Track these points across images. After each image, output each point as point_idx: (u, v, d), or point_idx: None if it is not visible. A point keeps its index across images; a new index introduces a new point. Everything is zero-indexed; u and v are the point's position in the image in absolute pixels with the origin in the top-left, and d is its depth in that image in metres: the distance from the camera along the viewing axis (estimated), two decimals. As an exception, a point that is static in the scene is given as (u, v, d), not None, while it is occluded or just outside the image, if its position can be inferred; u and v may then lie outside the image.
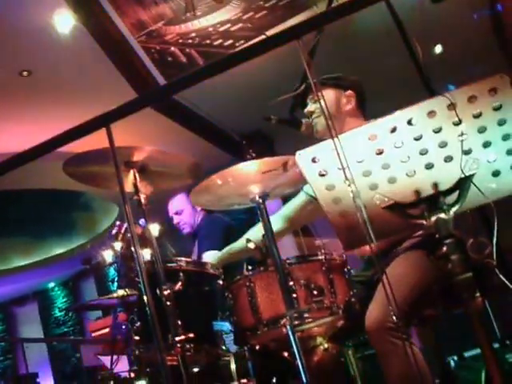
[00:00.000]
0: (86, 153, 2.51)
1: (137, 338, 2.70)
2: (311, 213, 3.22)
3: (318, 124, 3.04)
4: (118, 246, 3.66)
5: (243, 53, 1.94)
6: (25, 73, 5.93)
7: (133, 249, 1.98)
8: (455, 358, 5.16)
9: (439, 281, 2.58)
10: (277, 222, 3.28)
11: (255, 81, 6.23)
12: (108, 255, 5.41)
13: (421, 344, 3.74)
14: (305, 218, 3.37)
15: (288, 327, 2.43)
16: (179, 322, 2.46)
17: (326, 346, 2.95)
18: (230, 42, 5.96)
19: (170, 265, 2.73)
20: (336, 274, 2.65)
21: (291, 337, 2.42)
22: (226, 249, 3.51)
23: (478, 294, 2.84)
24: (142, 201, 2.58)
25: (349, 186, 1.77)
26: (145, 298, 1.94)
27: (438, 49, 6.59)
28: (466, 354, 5.09)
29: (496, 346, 5.00)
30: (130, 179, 2.59)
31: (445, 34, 6.25)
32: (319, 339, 2.94)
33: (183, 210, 4.85)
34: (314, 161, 1.87)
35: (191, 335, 2.45)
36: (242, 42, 5.93)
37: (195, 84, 1.97)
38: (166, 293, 2.42)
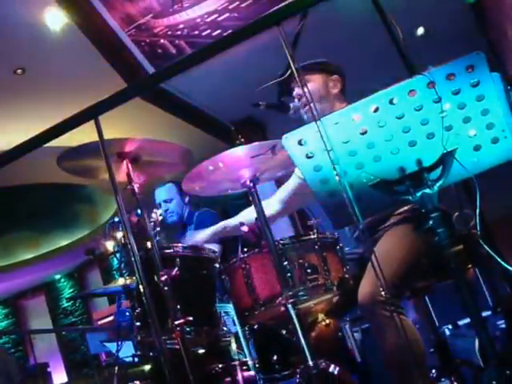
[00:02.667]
0: (79, 147, 2.50)
1: (138, 323, 2.71)
2: (305, 196, 3.22)
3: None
4: (119, 235, 3.65)
5: (226, 40, 1.93)
6: (19, 71, 5.93)
7: (123, 238, 1.97)
8: (450, 326, 5.19)
9: (428, 253, 2.60)
10: (271, 205, 3.28)
11: (244, 67, 6.21)
12: (110, 245, 5.39)
13: (416, 315, 3.75)
14: (298, 201, 3.36)
15: (290, 305, 2.44)
16: (178, 307, 2.46)
17: (327, 321, 2.97)
18: (218, 31, 5.93)
19: (166, 251, 2.73)
20: (329, 252, 2.66)
21: (293, 314, 2.43)
22: (221, 224, 3.49)
23: (469, 266, 2.88)
24: (136, 190, 2.57)
25: (334, 169, 1.77)
26: (140, 286, 1.94)
27: (420, 31, 6.58)
28: (460, 323, 5.11)
29: (488, 313, 5.03)
30: (123, 170, 2.59)
31: (425, 14, 6.24)
32: (320, 315, 2.96)
33: (172, 199, 4.86)
34: (300, 143, 1.88)
35: (190, 318, 2.46)
36: (230, 31, 5.89)
37: (180, 72, 1.96)
38: (163, 278, 2.42)
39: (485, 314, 4.99)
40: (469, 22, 5.85)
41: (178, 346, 2.42)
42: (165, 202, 4.86)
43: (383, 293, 2.38)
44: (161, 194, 4.89)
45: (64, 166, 2.61)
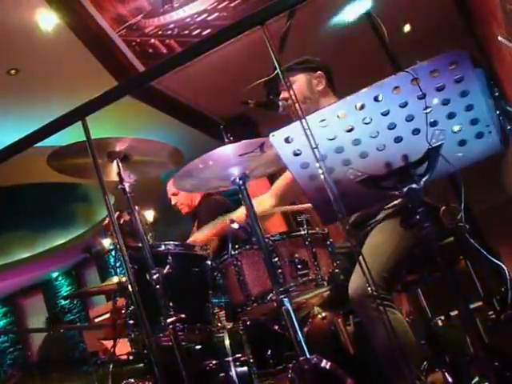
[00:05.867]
0: (69, 146, 2.48)
1: (132, 321, 2.70)
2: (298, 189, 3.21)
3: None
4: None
5: (210, 41, 1.93)
6: (12, 71, 5.94)
7: (109, 237, 1.96)
8: (442, 317, 5.20)
9: (417, 247, 2.60)
10: (266, 200, 3.28)
11: (236, 64, 6.21)
12: (107, 243, 5.38)
13: (410, 307, 3.76)
14: (292, 194, 3.36)
15: (285, 300, 2.44)
16: (171, 304, 2.46)
17: (323, 314, 2.98)
18: (208, 31, 5.94)
19: (158, 249, 2.73)
20: (319, 248, 2.66)
21: (284, 309, 2.42)
22: (216, 224, 3.47)
23: (461, 257, 2.88)
24: (127, 189, 2.55)
25: (319, 167, 1.77)
26: (129, 286, 1.94)
27: (406, 28, 6.59)
28: (453, 314, 5.12)
29: (479, 304, 5.04)
30: (113, 169, 2.58)
31: (411, 12, 6.26)
32: (316, 308, 2.96)
33: (179, 191, 4.76)
34: (287, 141, 1.88)
35: (183, 316, 2.46)
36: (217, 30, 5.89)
37: (166, 72, 1.96)
38: (155, 277, 2.41)
39: (476, 304, 5.00)
40: (456, 19, 5.87)
41: (171, 343, 2.42)
42: (173, 195, 4.78)
43: (373, 287, 2.38)
44: (169, 187, 4.80)
45: (55, 166, 2.59)
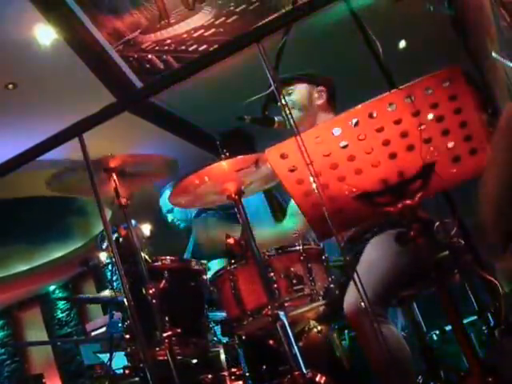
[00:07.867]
0: (65, 169, 2.48)
1: (127, 336, 2.69)
2: None
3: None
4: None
5: (208, 57, 1.94)
6: (10, 86, 5.93)
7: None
8: (437, 332, 5.18)
9: (411, 263, 2.58)
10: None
11: (232, 80, 6.21)
12: (103, 256, 5.35)
13: (405, 321, 3.74)
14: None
15: (281, 314, 2.43)
16: (167, 319, 2.45)
17: (318, 328, 2.97)
18: (205, 46, 5.95)
19: (154, 263, 2.72)
20: (314, 263, 2.66)
21: (285, 323, 2.41)
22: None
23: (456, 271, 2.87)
24: (123, 204, 2.54)
25: (314, 182, 1.77)
26: (125, 300, 1.93)
27: (402, 44, 6.62)
28: (447, 328, 5.10)
29: (474, 318, 5.01)
30: (111, 184, 2.57)
31: (406, 28, 6.28)
32: (312, 322, 2.95)
33: (173, 208, 4.75)
34: (282, 157, 1.87)
35: (178, 330, 2.45)
36: (216, 46, 5.91)
37: (164, 88, 1.95)
38: (151, 291, 2.40)
39: (470, 318, 4.98)
40: (450, 34, 5.87)
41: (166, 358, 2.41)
42: (168, 212, 4.77)
43: (369, 302, 2.37)
44: (163, 204, 4.79)
45: (54, 188, 2.60)
